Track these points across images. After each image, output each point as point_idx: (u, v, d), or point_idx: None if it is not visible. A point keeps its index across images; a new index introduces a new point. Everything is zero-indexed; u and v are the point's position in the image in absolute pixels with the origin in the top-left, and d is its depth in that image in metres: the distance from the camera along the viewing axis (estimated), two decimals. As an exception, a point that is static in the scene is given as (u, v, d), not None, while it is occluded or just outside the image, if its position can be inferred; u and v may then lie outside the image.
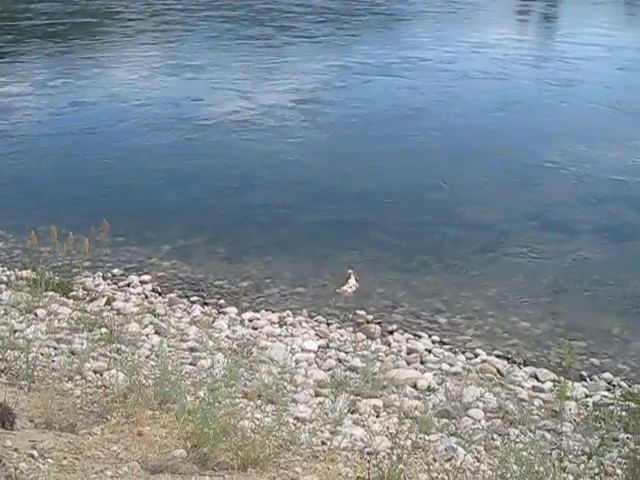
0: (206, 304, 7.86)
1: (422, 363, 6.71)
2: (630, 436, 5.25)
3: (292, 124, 13.98)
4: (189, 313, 7.56)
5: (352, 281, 8.39)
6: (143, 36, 22.99)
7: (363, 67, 18.75)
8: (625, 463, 4.59)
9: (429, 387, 6.07)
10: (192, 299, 7.95)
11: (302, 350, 6.76)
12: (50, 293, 7.37)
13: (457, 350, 7.10)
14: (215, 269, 8.64)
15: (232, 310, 7.69)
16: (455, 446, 4.91)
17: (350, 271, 8.48)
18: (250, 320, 7.46)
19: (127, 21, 25.20)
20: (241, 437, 4.14)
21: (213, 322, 7.34)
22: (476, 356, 6.99)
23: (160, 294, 8.05)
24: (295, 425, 4.98)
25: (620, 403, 5.93)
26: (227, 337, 6.98)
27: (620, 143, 13.42)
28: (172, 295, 8.01)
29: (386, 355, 6.82)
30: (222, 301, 7.95)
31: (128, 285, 8.16)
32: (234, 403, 4.68)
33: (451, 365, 6.63)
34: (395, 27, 26.71)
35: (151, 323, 7.05)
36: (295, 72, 18.18)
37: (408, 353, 6.91)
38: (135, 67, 18.44)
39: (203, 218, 10.03)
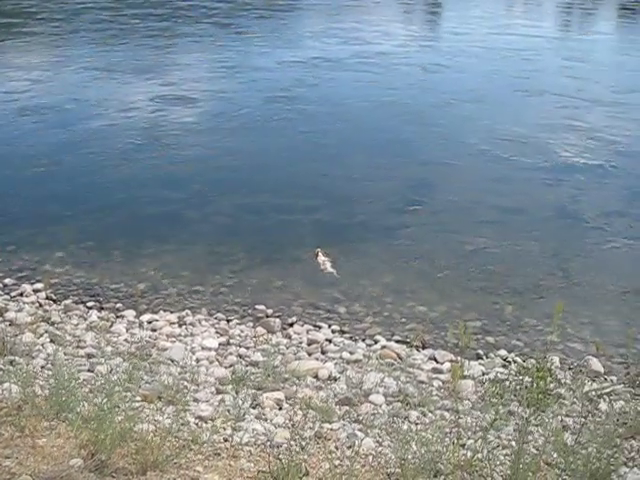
0: (103, 309, 7.69)
1: (323, 353, 6.76)
2: (526, 409, 5.43)
3: (179, 125, 13.94)
4: (85, 319, 7.37)
5: (321, 257, 8.60)
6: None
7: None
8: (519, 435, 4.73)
9: (330, 376, 6.12)
10: (88, 304, 7.76)
11: (202, 348, 6.71)
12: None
13: (357, 338, 7.19)
14: (111, 272, 8.46)
15: (130, 313, 7.55)
16: (357, 432, 4.98)
17: (317, 250, 8.71)
18: (149, 322, 7.34)
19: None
20: (140, 441, 4.09)
21: (111, 326, 7.19)
22: (376, 342, 7.09)
23: (55, 301, 7.82)
24: (197, 424, 4.94)
25: (515, 378, 6.11)
26: (125, 341, 6.85)
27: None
28: (67, 302, 7.79)
29: (287, 348, 6.84)
30: (119, 304, 7.79)
31: (21, 294, 7.89)
32: (133, 407, 4.61)
33: (351, 353, 6.71)
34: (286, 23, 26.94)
35: (46, 332, 6.85)
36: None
37: (309, 344, 6.96)
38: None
39: (94, 221, 9.79)
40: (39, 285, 8.08)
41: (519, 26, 27.64)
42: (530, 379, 5.70)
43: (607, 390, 6.12)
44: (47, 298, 7.86)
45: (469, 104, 16.01)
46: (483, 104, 16.26)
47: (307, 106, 15.38)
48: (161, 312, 7.60)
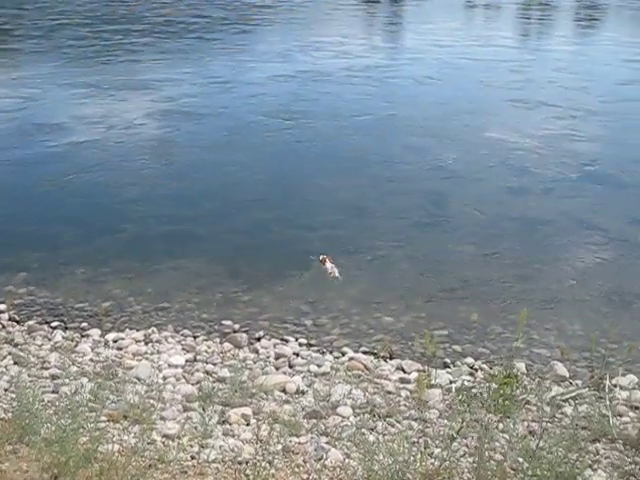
0: (67, 328, 7.59)
1: (290, 367, 6.75)
2: (493, 416, 5.47)
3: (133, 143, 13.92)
4: (50, 339, 7.29)
5: (329, 264, 8.70)
6: None
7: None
8: (487, 442, 4.76)
9: (298, 390, 6.11)
10: (52, 324, 7.66)
11: (169, 366, 6.66)
12: None
13: (324, 350, 7.19)
14: (75, 291, 8.37)
15: (95, 332, 7.47)
16: (325, 445, 4.98)
17: (323, 256, 8.82)
18: (114, 340, 7.27)
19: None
20: (105, 462, 4.06)
21: (76, 346, 7.11)
22: (343, 354, 7.10)
23: (18, 322, 7.72)
24: (163, 443, 4.91)
25: (482, 385, 6.16)
26: (91, 360, 6.77)
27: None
28: (31, 322, 7.68)
29: (254, 362, 6.82)
30: (84, 324, 7.70)
31: (-17, 316, 7.81)
32: (98, 427, 4.58)
33: (319, 366, 6.71)
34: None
35: (9, 354, 6.76)
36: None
37: (276, 358, 6.94)
38: None
39: (57, 239, 9.68)
40: (2, 306, 7.97)
41: (497, 37, 28.20)
42: (496, 386, 5.77)
43: (572, 394, 6.19)
44: (10, 319, 7.76)
45: (469, 115, 16.28)
46: (483, 115, 16.50)
47: (309, 121, 15.41)
48: (127, 330, 7.54)
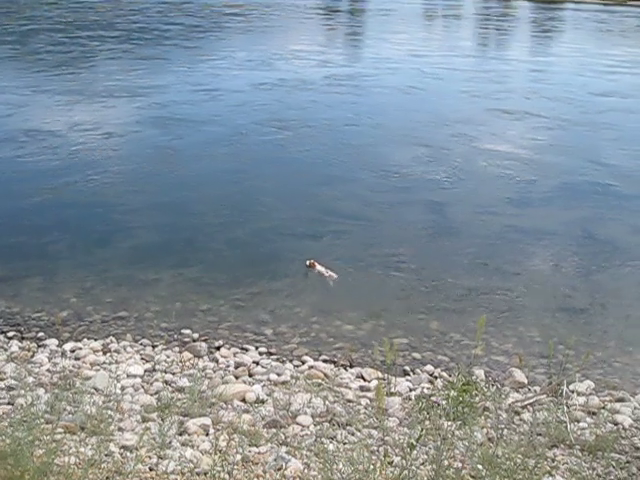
0: (24, 338, 7.48)
1: (250, 376, 6.73)
2: (452, 423, 5.49)
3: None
4: (5, 350, 7.16)
5: (319, 267, 8.87)
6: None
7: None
8: (446, 450, 4.77)
9: (258, 399, 6.08)
10: (9, 335, 7.54)
11: (127, 376, 6.59)
12: None
13: (284, 359, 7.18)
14: (32, 301, 8.25)
15: (52, 342, 7.37)
16: (285, 455, 4.95)
17: (310, 261, 8.95)
18: (72, 350, 7.18)
19: None
20: (61, 474, 3.99)
21: (32, 357, 7.01)
22: (303, 363, 7.10)
23: (-28, 333, 7.62)
24: (121, 454, 4.84)
25: (441, 393, 6.18)
26: (48, 371, 6.68)
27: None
28: (-14, 333, 7.59)
29: (214, 372, 6.79)
30: (41, 333, 7.59)
31: None
32: (54, 439, 4.51)
33: (279, 375, 6.69)
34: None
35: (-37, 365, 6.66)
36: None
37: (236, 367, 6.91)
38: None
39: (13, 248, 9.56)
40: (-45, 317, 7.84)
41: (470, 47, 28.85)
42: (455, 393, 5.78)
43: (530, 401, 6.24)
44: (-36, 331, 7.63)
45: (457, 125, 16.56)
46: (470, 125, 16.72)
47: (301, 131, 15.54)
48: (85, 340, 7.45)
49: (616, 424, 5.91)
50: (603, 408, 6.19)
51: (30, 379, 6.43)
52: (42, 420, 4.93)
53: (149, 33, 28.08)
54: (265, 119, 16.04)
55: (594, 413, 6.10)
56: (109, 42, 25.47)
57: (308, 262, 9.05)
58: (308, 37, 30.31)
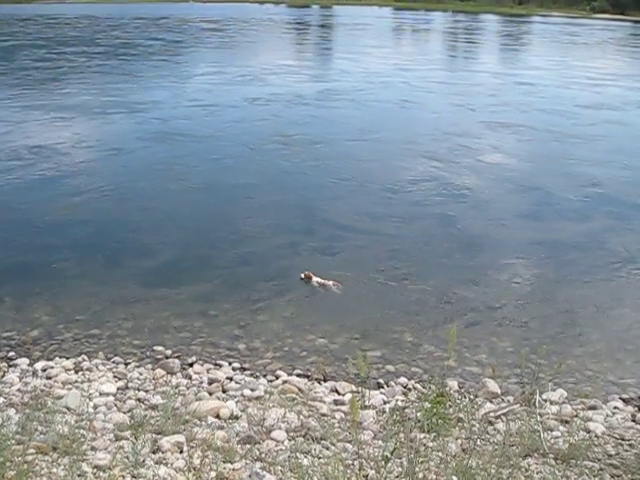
0: (-6, 358, 7.42)
1: (224, 392, 6.70)
2: (426, 435, 5.51)
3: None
4: (-25, 371, 7.10)
5: (316, 278, 8.99)
6: None
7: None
8: (420, 462, 4.78)
9: (232, 415, 6.05)
10: (-22, 355, 7.48)
11: (100, 394, 6.52)
12: None
13: (258, 374, 7.16)
14: (1, 320, 8.14)
15: (23, 361, 7.29)
16: (259, 471, 4.93)
17: (306, 272, 9.07)
18: (43, 369, 7.10)
19: None
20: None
21: (2, 376, 6.92)
22: (277, 378, 7.08)
23: (-59, 353, 7.51)
24: (94, 474, 4.79)
25: (415, 405, 6.20)
26: (18, 390, 6.59)
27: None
28: (-46, 354, 7.49)
29: (187, 388, 6.75)
30: (12, 353, 7.50)
31: None
32: (26, 460, 4.45)
33: (253, 390, 6.67)
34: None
35: None
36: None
37: (210, 383, 6.88)
38: None
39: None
40: None
41: (453, 61, 29.38)
42: (429, 405, 5.81)
43: (504, 411, 6.27)
44: None
45: (457, 138, 16.84)
46: (470, 138, 17.05)
47: (304, 145, 15.72)
48: (56, 359, 7.38)
49: (589, 432, 5.95)
50: (576, 416, 6.23)
51: (0, 399, 6.35)
52: (13, 441, 4.89)
53: (134, 49, 28.16)
54: (268, 134, 16.22)
55: (567, 422, 6.14)
56: (96, 58, 25.53)
57: (303, 274, 9.09)
58: (293, 51, 30.67)
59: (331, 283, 9.05)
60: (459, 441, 5.54)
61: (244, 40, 33.23)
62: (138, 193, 12.40)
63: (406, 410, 6.24)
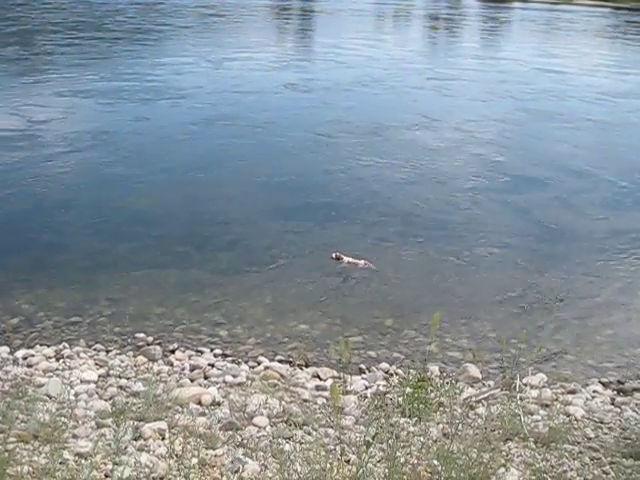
0: (-26, 348, 7.36)
1: (206, 378, 6.71)
2: (408, 419, 5.53)
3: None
4: (-45, 359, 7.05)
5: (347, 258, 9.10)
6: None
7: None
8: (401, 446, 4.80)
9: (214, 401, 6.05)
10: (-42, 344, 7.42)
11: (81, 382, 6.50)
12: None
13: (240, 360, 7.18)
14: (-19, 309, 8.11)
15: (3, 350, 7.23)
16: (242, 457, 4.93)
17: (336, 253, 9.18)
18: (24, 358, 7.05)
19: None
20: (14, 484, 3.93)
21: (-18, 366, 6.90)
22: (259, 364, 7.10)
23: None
24: (76, 462, 4.78)
25: (397, 390, 6.22)
26: (-1, 379, 6.58)
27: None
28: None
29: (169, 375, 6.74)
30: (-8, 341, 7.48)
31: None
32: (7, 449, 4.43)
33: (235, 376, 6.68)
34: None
35: None
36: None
37: (191, 370, 6.88)
38: None
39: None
40: None
41: (470, 50, 29.23)
42: (411, 390, 5.83)
43: (485, 395, 6.31)
44: None
45: (503, 124, 16.99)
46: (514, 125, 17.17)
47: (365, 131, 15.59)
48: (37, 346, 7.33)
49: (568, 415, 6.00)
50: (556, 400, 6.29)
51: (-20, 388, 6.32)
52: (-7, 430, 4.88)
53: (148, 34, 27.85)
54: (324, 121, 16.05)
55: (547, 405, 6.19)
56: (117, 43, 25.25)
57: (334, 254, 9.20)
58: (308, 37, 30.39)
59: (362, 262, 9.16)
60: (440, 426, 5.56)
61: (254, 27, 32.93)
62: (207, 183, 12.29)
63: (387, 395, 6.27)
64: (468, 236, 10.43)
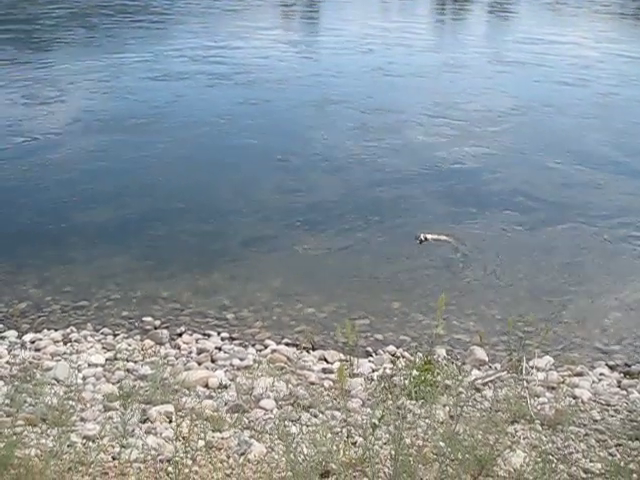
0: (-19, 332, 7.40)
1: (213, 361, 6.73)
2: (414, 402, 5.55)
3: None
4: (-37, 344, 7.09)
5: (431, 236, 9.40)
6: None
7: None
8: (407, 429, 4.82)
9: (221, 384, 6.09)
10: (-34, 328, 7.45)
11: (89, 365, 6.53)
12: None
13: (247, 344, 7.19)
14: (-10, 293, 8.14)
15: (12, 334, 7.27)
16: (248, 439, 4.96)
17: (422, 235, 9.42)
18: (32, 342, 7.09)
19: None
20: (22, 467, 3.96)
21: (-9, 349, 6.93)
22: (266, 347, 7.11)
23: None
24: (83, 444, 4.81)
25: (403, 373, 6.24)
26: (7, 363, 6.57)
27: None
28: (-57, 326, 7.47)
29: (176, 358, 6.76)
30: (0, 325, 7.50)
31: None
32: (15, 432, 4.46)
33: (242, 359, 6.70)
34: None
35: None
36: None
37: (198, 353, 6.90)
38: None
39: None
40: None
41: (488, 34, 28.99)
42: (417, 372, 5.85)
43: (491, 378, 6.32)
44: None
45: (542, 115, 16.51)
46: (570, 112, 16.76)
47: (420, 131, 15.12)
48: (45, 331, 7.37)
49: (575, 398, 6.01)
50: (562, 383, 6.29)
51: (-11, 372, 6.35)
52: (2, 413, 4.91)
53: (167, 13, 27.92)
54: (359, 120, 15.57)
55: (553, 388, 6.20)
56: (152, 28, 25.11)
57: (422, 235, 9.42)
58: (338, 22, 30.04)
59: (444, 237, 9.43)
60: (446, 408, 5.56)
61: (273, 11, 32.77)
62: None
63: (394, 378, 6.28)
64: (473, 217, 10.38)
